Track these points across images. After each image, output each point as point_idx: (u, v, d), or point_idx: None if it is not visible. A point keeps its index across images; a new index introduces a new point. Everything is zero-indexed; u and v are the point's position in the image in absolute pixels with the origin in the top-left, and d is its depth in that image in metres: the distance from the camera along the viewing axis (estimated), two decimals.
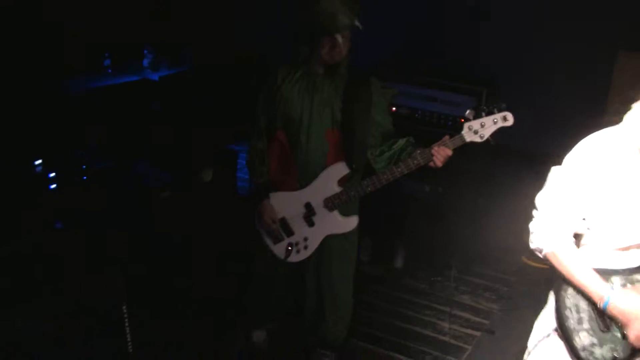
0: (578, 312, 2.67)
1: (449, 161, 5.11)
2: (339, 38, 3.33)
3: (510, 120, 3.33)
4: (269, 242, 3.76)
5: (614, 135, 2.63)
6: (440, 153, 3.41)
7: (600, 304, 2.58)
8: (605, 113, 5.33)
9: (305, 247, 3.70)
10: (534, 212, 2.79)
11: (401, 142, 3.58)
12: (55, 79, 6.02)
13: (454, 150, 3.45)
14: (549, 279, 5.26)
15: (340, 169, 3.53)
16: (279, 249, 3.73)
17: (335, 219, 3.64)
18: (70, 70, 6.24)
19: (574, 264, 2.65)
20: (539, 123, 6.15)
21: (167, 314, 4.57)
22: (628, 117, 2.61)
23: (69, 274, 4.78)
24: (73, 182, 5.67)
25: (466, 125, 3.38)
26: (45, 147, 5.51)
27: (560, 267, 2.68)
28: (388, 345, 4.52)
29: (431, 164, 3.44)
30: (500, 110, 3.34)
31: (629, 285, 2.62)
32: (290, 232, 3.70)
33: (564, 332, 2.70)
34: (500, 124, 3.35)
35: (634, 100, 2.62)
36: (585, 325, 2.65)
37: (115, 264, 4.45)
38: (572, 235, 2.70)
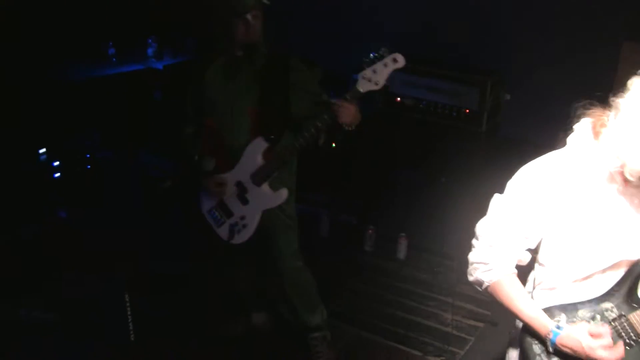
0: (549, 358, 2.38)
1: (453, 150, 5.16)
2: (250, 18, 3.42)
3: (401, 61, 3.30)
4: (212, 225, 3.84)
5: (560, 159, 2.36)
6: (341, 107, 3.38)
7: (548, 341, 2.32)
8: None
9: (245, 226, 3.74)
10: (474, 242, 2.57)
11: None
12: (60, 68, 6.02)
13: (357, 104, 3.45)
14: None
15: (259, 143, 3.59)
16: (222, 232, 3.79)
17: (264, 193, 3.67)
18: (74, 59, 6.24)
19: (519, 297, 2.41)
20: (543, 114, 6.15)
21: (168, 302, 4.57)
22: (571, 139, 2.37)
23: (72, 263, 4.78)
24: (77, 171, 5.67)
25: (360, 75, 3.35)
26: (50, 136, 5.51)
27: (504, 299, 2.43)
28: (390, 336, 4.52)
29: (340, 120, 3.40)
30: (386, 54, 3.30)
31: (597, 316, 2.35)
32: (229, 213, 3.77)
33: None
34: (392, 66, 3.31)
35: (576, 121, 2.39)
36: None
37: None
38: (514, 266, 2.45)
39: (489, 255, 2.46)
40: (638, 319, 2.30)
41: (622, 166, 2.13)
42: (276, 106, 3.58)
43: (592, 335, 2.23)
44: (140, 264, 4.74)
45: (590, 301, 2.37)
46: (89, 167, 5.74)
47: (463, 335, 4.58)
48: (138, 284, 4.33)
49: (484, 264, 2.48)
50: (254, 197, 3.69)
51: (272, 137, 3.59)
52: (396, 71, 5.32)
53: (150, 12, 6.70)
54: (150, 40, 6.70)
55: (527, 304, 2.38)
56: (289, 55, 3.66)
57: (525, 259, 2.47)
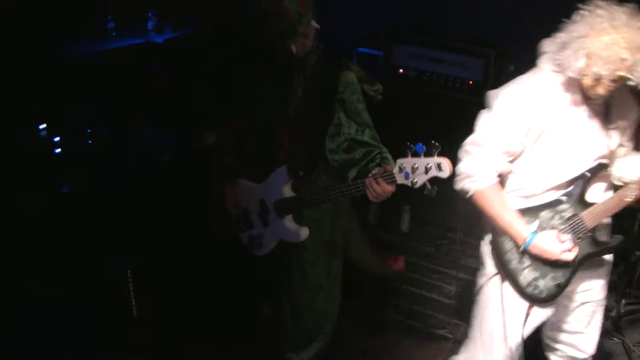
0: (517, 252, 2.93)
1: (457, 122, 5.10)
2: (299, 41, 3.04)
3: (446, 171, 2.73)
4: (235, 227, 3.60)
5: (538, 81, 2.83)
6: (374, 186, 2.93)
7: (522, 245, 2.87)
8: None
9: (260, 245, 3.49)
10: (461, 154, 2.96)
11: (372, 151, 3.19)
12: (59, 42, 5.96)
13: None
14: None
15: (283, 174, 3.26)
16: (242, 238, 3.58)
17: (284, 224, 3.36)
18: (74, 34, 6.18)
19: (500, 204, 2.90)
20: None
21: (172, 280, 4.56)
22: (540, 61, 2.89)
23: (74, 238, 4.76)
24: (78, 146, 5.63)
25: (398, 162, 2.83)
26: (50, 111, 5.47)
27: (486, 206, 2.93)
28: (393, 309, 4.53)
29: (370, 198, 2.98)
30: (435, 153, 2.74)
31: (556, 216, 2.89)
32: (250, 225, 3.51)
33: (508, 274, 2.94)
34: (434, 172, 2.74)
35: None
36: (526, 262, 2.90)
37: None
38: (499, 173, 2.92)
39: (474, 166, 2.91)
40: (588, 216, 2.85)
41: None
42: (311, 135, 3.19)
43: (558, 240, 2.83)
44: (144, 242, 4.71)
45: (550, 203, 2.90)
46: (90, 142, 5.70)
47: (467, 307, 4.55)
48: (141, 261, 4.30)
49: (469, 175, 2.92)
50: (274, 223, 3.38)
51: (300, 174, 3.22)
52: (399, 42, 5.33)
53: None
54: (150, 14, 6.63)
55: (506, 211, 2.89)
56: (345, 66, 3.20)
57: (507, 169, 2.94)
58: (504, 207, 2.89)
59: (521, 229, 2.87)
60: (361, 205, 5.49)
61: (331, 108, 3.16)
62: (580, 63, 2.63)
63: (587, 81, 2.69)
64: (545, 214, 2.89)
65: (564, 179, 2.88)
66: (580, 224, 2.86)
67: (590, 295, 3.15)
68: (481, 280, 3.21)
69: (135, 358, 3.96)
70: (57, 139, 5.48)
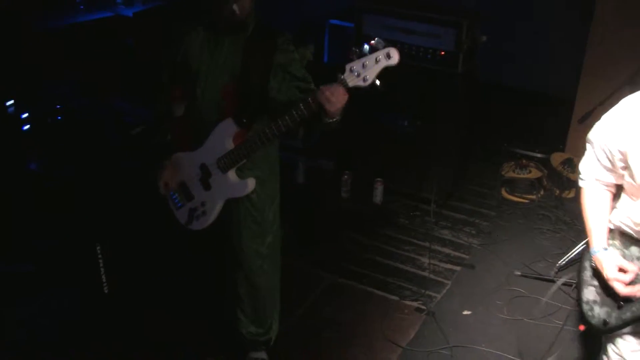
0: (594, 268, 2.79)
1: (429, 93, 5.09)
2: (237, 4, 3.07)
3: (395, 57, 2.78)
4: (171, 206, 3.54)
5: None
6: (327, 93, 2.86)
7: (590, 251, 2.77)
8: (587, 45, 5.29)
9: (204, 213, 3.42)
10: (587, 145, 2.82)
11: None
12: (26, 16, 5.85)
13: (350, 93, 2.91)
14: (527, 212, 5.30)
15: (229, 125, 3.23)
16: (181, 214, 3.50)
17: (229, 180, 3.31)
18: (41, 7, 6.07)
19: (591, 209, 2.81)
20: (522, 56, 6.11)
21: (141, 256, 4.51)
22: None
23: (44, 216, 4.70)
24: (47, 122, 5.55)
25: (347, 66, 2.83)
26: (17, 87, 5.38)
27: (582, 205, 2.85)
28: (367, 281, 4.52)
29: (326, 107, 2.90)
30: (380, 48, 2.79)
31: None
32: (190, 196, 3.45)
33: (578, 282, 2.84)
34: (384, 62, 2.79)
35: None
36: (595, 282, 2.77)
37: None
38: (605, 182, 2.78)
39: (582, 167, 2.85)
40: None
41: None
42: (253, 87, 3.22)
43: (619, 268, 2.63)
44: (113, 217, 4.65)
45: None
46: (60, 117, 5.62)
47: (440, 279, 4.58)
48: (112, 236, 4.26)
49: (582, 170, 2.85)
50: (218, 183, 3.34)
51: (244, 120, 3.23)
52: (369, 12, 5.29)
53: None
54: None
55: (593, 216, 2.80)
56: (278, 32, 3.26)
57: (616, 181, 2.77)
58: (593, 212, 2.80)
59: (595, 239, 2.75)
60: (333, 178, 5.52)
61: (270, 63, 3.20)
62: None
63: None
64: (635, 250, 2.70)
65: None
66: None
67: None
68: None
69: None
70: (25, 115, 5.39)
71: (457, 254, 4.85)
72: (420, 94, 5.13)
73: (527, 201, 5.46)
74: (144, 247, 4.43)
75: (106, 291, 4.04)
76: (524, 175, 5.50)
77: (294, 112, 2.99)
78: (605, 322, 2.68)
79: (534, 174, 5.51)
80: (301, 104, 2.96)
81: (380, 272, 4.62)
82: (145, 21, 6.41)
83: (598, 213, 2.79)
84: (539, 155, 5.65)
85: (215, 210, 3.39)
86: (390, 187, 5.39)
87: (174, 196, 3.52)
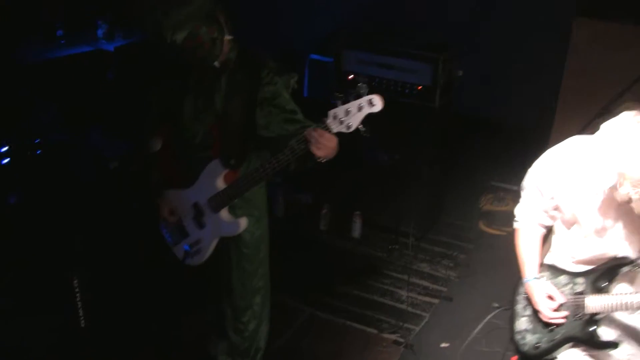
0: (526, 299, 2.96)
1: (407, 127, 5.14)
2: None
3: (378, 105, 2.79)
4: (169, 242, 3.57)
5: (587, 148, 2.66)
6: (321, 137, 2.87)
7: (522, 281, 2.97)
8: (563, 77, 5.36)
9: (199, 251, 3.43)
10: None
11: (308, 125, 3.12)
12: (7, 50, 5.86)
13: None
14: (505, 244, 5.32)
15: (216, 167, 3.25)
16: (177, 250, 3.53)
17: (221, 220, 3.33)
18: (22, 41, 6.08)
19: (524, 244, 3.00)
20: (497, 90, 6.17)
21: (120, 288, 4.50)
22: (604, 127, 2.55)
23: (23, 249, 4.68)
24: (27, 156, 5.53)
25: (330, 113, 2.84)
26: None
27: (516, 242, 3.04)
28: (346, 314, 4.53)
29: (314, 152, 2.91)
30: (363, 94, 2.80)
31: (570, 285, 2.86)
32: (185, 234, 3.47)
33: (511, 314, 3.02)
34: (367, 109, 2.80)
35: (610, 112, 2.64)
36: (528, 312, 2.95)
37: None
38: (536, 220, 2.97)
39: (517, 211, 3.07)
40: (590, 303, 2.75)
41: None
42: (239, 126, 3.22)
43: (547, 295, 2.83)
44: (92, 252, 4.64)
45: (571, 272, 2.87)
46: (40, 152, 5.61)
47: (418, 311, 4.60)
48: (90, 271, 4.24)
49: (517, 212, 3.07)
50: (211, 222, 3.35)
51: (232, 162, 3.24)
52: (349, 48, 5.35)
53: None
54: (100, 22, 6.56)
55: (526, 250, 2.98)
56: (261, 63, 3.23)
57: (549, 222, 2.97)
58: (526, 247, 2.99)
59: (527, 269, 2.94)
60: (311, 211, 5.53)
61: (255, 99, 3.19)
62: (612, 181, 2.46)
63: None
64: (562, 278, 2.89)
65: (590, 256, 2.81)
66: (580, 303, 2.78)
67: None
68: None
69: None
70: (4, 149, 5.38)
71: (435, 286, 4.87)
72: (398, 128, 5.17)
73: (505, 233, 5.48)
74: (125, 281, 4.44)
75: (83, 325, 4.00)
76: (501, 207, 5.53)
77: (286, 153, 2.98)
78: (536, 347, 2.88)
79: (512, 206, 5.53)
80: (294, 145, 2.95)
81: (358, 305, 4.63)
82: (126, 56, 6.43)
83: (531, 247, 2.99)
84: (515, 187, 5.68)
85: (209, 249, 3.40)
86: (369, 220, 5.41)
87: (169, 233, 3.54)
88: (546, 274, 2.93)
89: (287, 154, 2.97)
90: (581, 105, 5.22)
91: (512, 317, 3.01)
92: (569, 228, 2.84)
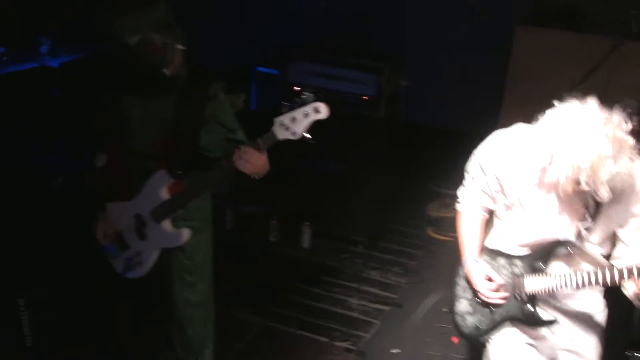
0: (466, 282, 2.99)
1: (353, 137, 5.20)
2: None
3: (323, 112, 2.88)
4: (107, 256, 3.52)
5: (528, 136, 2.73)
6: (244, 156, 2.98)
7: (461, 263, 3.00)
8: (506, 84, 5.47)
9: (139, 263, 3.40)
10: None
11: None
12: None
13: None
14: (453, 250, 5.40)
15: (162, 177, 3.25)
16: (117, 264, 3.48)
17: (163, 231, 3.31)
18: None
19: (466, 227, 3.03)
20: (442, 99, 6.27)
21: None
22: (544, 119, 2.67)
23: None
24: None
25: (276, 120, 2.93)
26: None
27: (458, 225, 3.07)
28: (298, 324, 4.55)
29: (241, 170, 3.01)
30: (309, 102, 2.89)
31: (508, 267, 2.91)
32: (125, 246, 3.43)
33: (452, 297, 3.05)
34: (313, 116, 2.88)
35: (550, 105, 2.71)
36: (468, 294, 3.00)
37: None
38: (478, 205, 3.00)
39: (461, 193, 3.07)
40: (528, 283, 2.83)
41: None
42: (186, 139, 3.23)
43: (487, 277, 2.88)
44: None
45: (510, 255, 2.91)
46: None
47: (369, 319, 4.64)
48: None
49: (460, 195, 3.07)
50: (153, 233, 3.32)
51: (179, 172, 3.23)
52: (294, 60, 5.40)
53: (44, 9, 6.50)
54: (43, 38, 6.51)
55: (467, 233, 3.01)
56: (210, 80, 3.28)
57: (491, 205, 2.97)
58: (467, 230, 3.02)
59: (467, 252, 2.97)
60: (261, 223, 5.54)
61: (202, 114, 3.23)
62: (561, 162, 2.47)
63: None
64: (501, 260, 2.94)
65: (528, 241, 2.86)
66: (519, 284, 2.86)
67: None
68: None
69: None
70: None
71: (385, 293, 4.92)
72: (345, 139, 5.23)
73: (453, 239, 5.54)
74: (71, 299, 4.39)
75: (29, 344, 3.97)
76: (448, 213, 5.61)
77: (217, 170, 3.11)
78: (477, 328, 2.96)
79: None
80: (223, 163, 3.06)
81: (310, 314, 4.65)
82: (71, 72, 6.39)
83: (472, 230, 3.03)
84: None
85: (150, 260, 3.37)
86: (319, 230, 5.44)
87: (110, 246, 3.49)
88: (486, 257, 2.97)
89: (217, 172, 3.10)
90: (524, 110, 5.33)
91: (453, 300, 3.05)
92: (510, 210, 2.87)
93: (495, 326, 2.94)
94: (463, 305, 3.00)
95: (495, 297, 2.88)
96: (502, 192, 2.85)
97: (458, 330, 3.04)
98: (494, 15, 5.74)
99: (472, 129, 6.14)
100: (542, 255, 2.83)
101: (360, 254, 5.13)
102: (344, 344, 4.38)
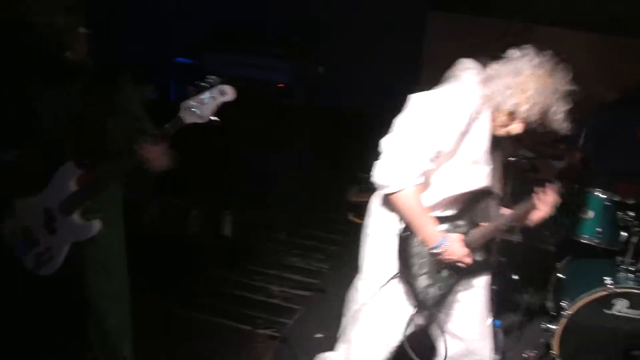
0: (421, 258, 3.00)
1: (272, 125, 5.20)
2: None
3: (230, 94, 2.98)
4: (18, 253, 3.43)
5: (461, 90, 2.85)
6: (144, 150, 3.03)
7: (434, 245, 2.92)
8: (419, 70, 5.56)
9: (51, 258, 3.34)
10: (382, 156, 2.89)
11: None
12: None
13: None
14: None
15: (70, 168, 3.22)
16: (28, 261, 3.40)
17: (73, 223, 3.27)
18: None
19: (417, 206, 2.89)
20: (358, 84, 6.32)
21: None
22: (465, 76, 2.88)
23: None
24: None
25: (182, 104, 2.99)
26: None
27: (404, 207, 2.90)
28: (220, 313, 4.53)
29: (142, 164, 3.07)
30: (215, 84, 2.99)
31: (452, 229, 3.01)
32: (35, 242, 3.37)
33: (408, 278, 3.00)
34: (220, 99, 2.97)
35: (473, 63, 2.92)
36: (425, 269, 3.01)
37: None
38: (421, 176, 2.86)
39: (398, 168, 2.82)
40: (476, 235, 3.01)
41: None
42: (94, 129, 3.21)
43: (462, 244, 2.95)
44: None
45: (449, 217, 3.02)
46: None
47: (291, 305, 4.67)
48: None
49: (393, 176, 2.84)
50: (62, 226, 3.28)
51: (86, 162, 3.20)
52: (211, 50, 5.37)
53: None
54: None
55: (422, 213, 2.90)
56: (118, 71, 3.28)
57: (427, 170, 2.88)
58: (420, 209, 2.90)
59: (435, 230, 2.91)
60: (182, 213, 5.51)
61: (110, 104, 3.22)
62: (514, 99, 2.73)
63: (502, 118, 2.84)
64: (445, 225, 2.99)
65: (472, 188, 2.98)
66: (470, 240, 3.00)
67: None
68: (364, 284, 3.27)
69: None
70: None
71: (307, 279, 4.96)
72: (264, 126, 5.23)
73: None
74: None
75: None
76: (369, 198, 5.66)
77: (128, 158, 3.08)
78: (440, 295, 3.05)
79: None
80: (132, 151, 3.05)
81: (232, 303, 4.65)
82: None
83: (423, 206, 2.91)
84: None
85: (61, 255, 3.31)
86: (240, 218, 5.44)
87: (20, 243, 3.41)
88: (442, 227, 3.00)
89: (126, 161, 3.11)
90: None
91: (409, 281, 3.00)
92: (443, 168, 2.92)
93: (451, 286, 3.08)
94: (422, 281, 3.01)
95: (470, 260, 2.98)
96: (441, 153, 2.84)
97: (423, 306, 3.04)
98: (407, 0, 5.80)
99: (390, 113, 6.27)
100: (477, 211, 3.03)
101: (281, 241, 5.15)
102: (267, 332, 4.39)
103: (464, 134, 2.84)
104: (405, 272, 3.00)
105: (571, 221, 4.30)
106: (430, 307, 3.07)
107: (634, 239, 4.00)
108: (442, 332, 3.19)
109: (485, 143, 2.90)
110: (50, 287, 3.61)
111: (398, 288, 3.04)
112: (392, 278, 3.04)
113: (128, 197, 3.57)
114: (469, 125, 2.83)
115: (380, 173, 2.88)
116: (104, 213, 3.35)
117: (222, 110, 3.02)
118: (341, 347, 3.39)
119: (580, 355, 4.00)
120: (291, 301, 4.70)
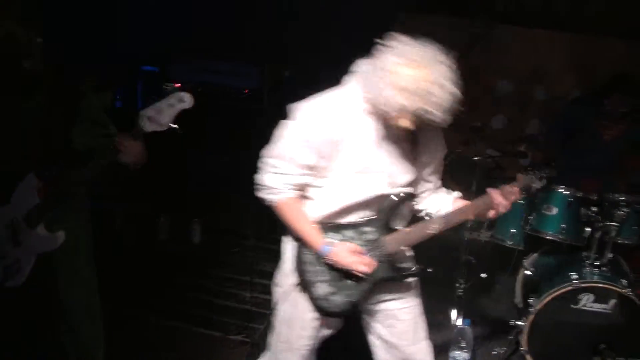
0: (315, 265, 2.94)
1: (238, 130, 5.18)
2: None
3: (188, 101, 3.02)
4: None
5: (340, 97, 2.80)
6: (123, 146, 3.05)
7: (320, 253, 2.87)
8: None
9: (18, 270, 3.30)
10: (262, 165, 2.95)
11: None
12: None
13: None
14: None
15: (31, 180, 3.20)
16: None
17: (38, 235, 3.24)
18: None
19: (297, 215, 2.91)
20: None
21: None
22: (348, 79, 2.84)
23: None
24: None
25: (141, 113, 3.01)
26: None
27: (286, 217, 2.94)
28: (191, 320, 4.53)
29: (122, 160, 3.08)
30: (173, 92, 3.03)
31: (358, 236, 2.92)
32: (1, 254, 3.32)
33: (304, 285, 2.96)
34: (178, 106, 3.01)
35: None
36: (325, 277, 2.93)
37: None
38: (299, 187, 2.88)
39: (273, 179, 2.88)
40: (390, 241, 2.91)
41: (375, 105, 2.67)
42: (56, 138, 3.19)
43: (353, 252, 2.84)
44: None
45: (354, 224, 2.92)
46: None
47: (262, 310, 4.66)
48: None
49: (269, 187, 2.91)
50: (27, 238, 3.24)
51: (47, 173, 3.18)
52: (174, 57, 5.35)
53: None
54: None
55: (304, 222, 2.89)
56: (79, 79, 3.32)
57: (304, 183, 2.88)
58: (301, 219, 2.90)
59: (317, 239, 2.86)
60: (150, 221, 5.49)
61: (72, 113, 3.22)
62: (387, 92, 2.58)
63: (384, 114, 2.69)
64: (348, 233, 2.91)
65: (362, 198, 2.88)
66: (381, 247, 2.91)
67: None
68: (278, 290, 3.22)
69: None
70: None
71: None
72: (229, 132, 5.23)
73: None
74: None
75: None
76: None
77: (93, 166, 3.08)
78: (350, 303, 2.93)
79: None
80: (98, 158, 3.06)
81: (203, 310, 4.65)
82: None
83: (305, 215, 2.92)
84: None
85: (29, 265, 3.28)
86: (208, 225, 5.43)
87: None
88: (331, 234, 2.91)
89: (90, 169, 3.09)
90: None
91: (306, 288, 2.95)
92: (333, 178, 2.85)
93: (367, 293, 2.95)
94: (322, 289, 2.93)
95: (367, 267, 2.86)
96: (327, 158, 2.79)
97: (326, 312, 2.97)
98: (381, 2, 5.83)
99: None
100: (390, 215, 2.91)
101: (251, 247, 5.13)
102: (239, 337, 4.40)
103: (337, 144, 2.78)
104: (301, 280, 2.98)
105: (536, 218, 4.37)
106: (340, 314, 3.00)
107: (598, 234, 4.07)
108: (376, 338, 3.17)
109: (370, 151, 2.81)
110: (21, 299, 3.61)
111: (299, 295, 3.01)
112: (293, 285, 3.02)
113: (95, 206, 3.55)
114: (343, 134, 2.77)
115: (257, 184, 2.96)
116: (70, 223, 3.33)
117: (187, 116, 3.03)
118: (266, 354, 3.38)
119: (549, 350, 4.06)
120: (262, 306, 4.69)
